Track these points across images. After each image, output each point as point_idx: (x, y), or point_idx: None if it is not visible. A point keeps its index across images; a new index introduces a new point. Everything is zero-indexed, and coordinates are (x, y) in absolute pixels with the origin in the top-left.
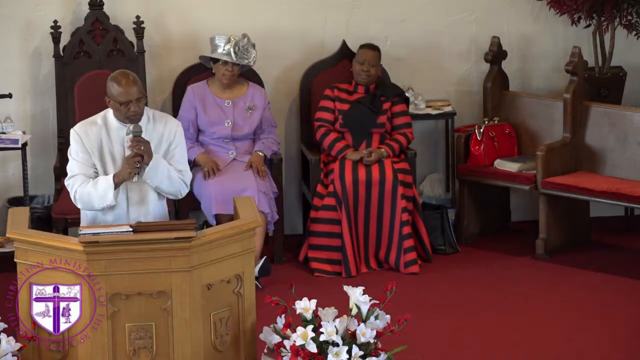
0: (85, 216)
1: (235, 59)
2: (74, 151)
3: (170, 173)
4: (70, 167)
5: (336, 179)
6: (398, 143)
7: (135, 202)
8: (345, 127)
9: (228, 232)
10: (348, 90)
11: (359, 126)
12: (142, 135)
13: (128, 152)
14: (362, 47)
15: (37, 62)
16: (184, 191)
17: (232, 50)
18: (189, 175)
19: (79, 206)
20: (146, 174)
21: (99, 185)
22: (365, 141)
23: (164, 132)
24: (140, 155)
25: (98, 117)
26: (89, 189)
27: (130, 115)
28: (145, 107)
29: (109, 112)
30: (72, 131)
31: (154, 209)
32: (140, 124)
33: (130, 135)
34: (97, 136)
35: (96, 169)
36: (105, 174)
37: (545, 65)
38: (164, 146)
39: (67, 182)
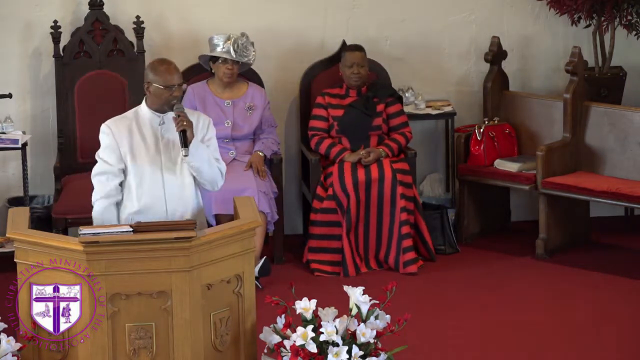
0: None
1: (235, 57)
2: (102, 148)
3: (210, 157)
4: (98, 168)
5: (335, 182)
6: (397, 143)
7: (173, 197)
8: (341, 133)
9: (228, 232)
10: (340, 95)
11: (355, 131)
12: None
13: (165, 137)
14: (346, 49)
15: (37, 62)
16: (220, 181)
17: (231, 47)
18: (224, 165)
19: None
20: (190, 152)
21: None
22: (363, 145)
23: (197, 124)
24: (184, 130)
25: (129, 112)
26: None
27: (172, 100)
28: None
29: (141, 107)
30: (102, 126)
31: (191, 203)
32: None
33: (174, 113)
34: (127, 128)
35: (123, 166)
36: (136, 165)
37: (545, 65)
38: (199, 136)
39: (97, 194)
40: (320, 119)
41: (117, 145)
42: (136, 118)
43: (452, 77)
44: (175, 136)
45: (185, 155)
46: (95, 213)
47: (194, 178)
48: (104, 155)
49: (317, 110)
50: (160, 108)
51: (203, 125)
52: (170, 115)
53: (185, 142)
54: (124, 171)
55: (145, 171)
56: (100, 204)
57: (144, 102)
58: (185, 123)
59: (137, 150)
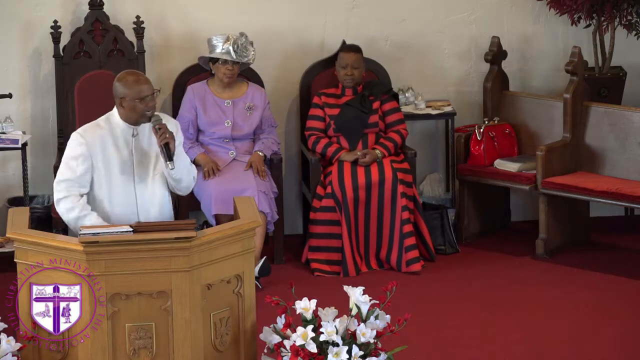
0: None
1: (235, 57)
2: (73, 154)
3: (188, 163)
4: (62, 174)
5: (335, 182)
6: (392, 142)
7: (145, 209)
8: (338, 132)
9: (228, 232)
10: (336, 95)
11: (352, 129)
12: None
13: (137, 150)
14: (342, 50)
15: (37, 62)
16: (192, 185)
17: (231, 48)
18: (194, 169)
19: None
20: (174, 164)
21: (87, 218)
22: (361, 142)
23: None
24: (167, 143)
25: (101, 120)
26: (75, 217)
27: (147, 111)
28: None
29: (112, 115)
30: (74, 134)
31: (165, 212)
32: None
33: (155, 126)
34: (101, 138)
35: (90, 178)
36: (109, 176)
37: (545, 65)
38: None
39: (56, 194)
40: (317, 118)
41: (90, 157)
42: (110, 128)
43: (452, 77)
44: (149, 147)
45: (172, 169)
46: (66, 219)
47: (167, 186)
48: (73, 163)
49: (314, 110)
50: (135, 121)
51: (176, 131)
52: (144, 126)
53: (169, 156)
54: (91, 183)
55: (117, 184)
56: (71, 214)
57: (115, 111)
58: (167, 135)
59: (111, 162)
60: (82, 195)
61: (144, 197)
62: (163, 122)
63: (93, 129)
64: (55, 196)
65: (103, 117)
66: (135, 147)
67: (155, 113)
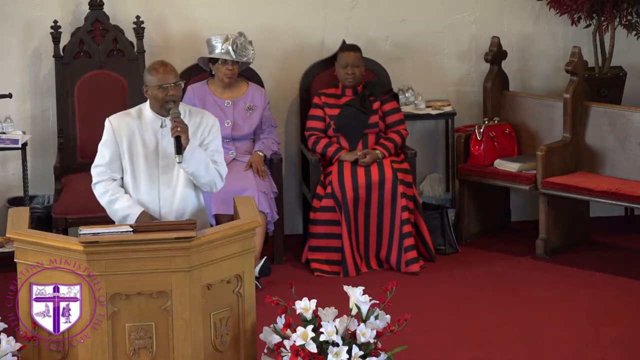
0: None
1: (234, 57)
2: (103, 141)
3: (207, 161)
4: (97, 161)
5: (335, 182)
6: (392, 142)
7: (167, 201)
8: (338, 132)
9: (228, 232)
10: (336, 95)
11: (352, 129)
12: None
13: (164, 140)
14: (342, 49)
15: (37, 62)
16: (219, 184)
17: (230, 48)
18: (224, 168)
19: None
20: (184, 159)
21: (122, 208)
22: (361, 142)
23: (200, 125)
24: (178, 136)
25: (132, 110)
26: (111, 202)
27: (169, 100)
28: (183, 102)
29: (144, 106)
30: (106, 120)
31: (189, 206)
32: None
33: (170, 118)
34: (129, 126)
35: (119, 163)
36: (133, 164)
37: (545, 65)
38: (199, 139)
39: (93, 179)
40: (317, 119)
41: (117, 143)
42: (139, 117)
43: (452, 77)
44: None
45: (179, 162)
46: (104, 205)
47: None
48: (103, 149)
49: (314, 111)
50: (159, 110)
51: (206, 127)
52: None
53: (179, 149)
54: (121, 167)
55: (141, 172)
56: (104, 199)
57: (147, 102)
58: (179, 129)
59: (136, 150)
60: (114, 180)
61: (168, 189)
62: (180, 116)
63: (122, 116)
64: (93, 182)
65: (136, 107)
66: (162, 137)
67: (182, 105)
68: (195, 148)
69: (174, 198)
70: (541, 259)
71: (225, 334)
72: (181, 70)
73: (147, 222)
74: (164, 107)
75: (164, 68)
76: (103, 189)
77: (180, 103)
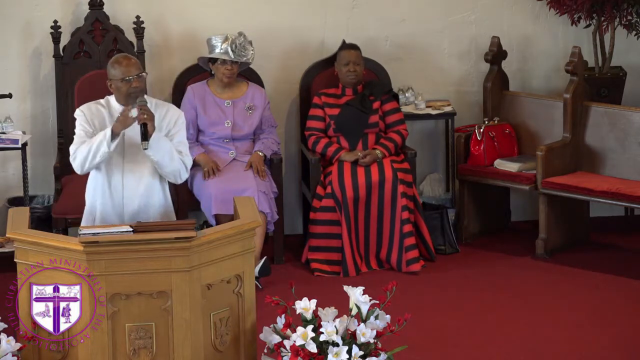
0: (86, 209)
1: (233, 57)
2: (78, 126)
3: (172, 150)
4: (75, 141)
5: (335, 182)
6: (393, 142)
7: (131, 191)
8: (338, 132)
9: (228, 232)
10: (336, 95)
11: (352, 128)
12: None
13: (131, 129)
14: (342, 48)
15: (37, 62)
16: (184, 174)
17: (229, 48)
18: (189, 159)
19: (76, 168)
20: (150, 146)
21: (96, 137)
22: (361, 142)
23: (165, 117)
24: (144, 124)
25: (101, 101)
26: (87, 144)
27: (132, 92)
28: (148, 95)
29: (111, 98)
30: (77, 110)
31: (150, 194)
32: None
33: (137, 106)
34: (98, 112)
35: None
36: None
37: (545, 65)
38: (164, 130)
39: (71, 152)
40: (317, 119)
41: (91, 125)
42: (108, 107)
43: (452, 77)
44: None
45: (145, 149)
46: (79, 151)
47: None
48: (79, 132)
49: (314, 110)
50: (125, 103)
51: (171, 119)
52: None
53: (145, 135)
54: None
55: (109, 161)
56: (79, 146)
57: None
58: (145, 116)
59: None
60: None
61: (133, 177)
62: (147, 104)
63: (92, 104)
64: (71, 158)
65: (104, 98)
66: (128, 128)
67: (149, 98)
68: (160, 136)
69: (139, 187)
70: (541, 259)
71: (225, 334)
72: (181, 70)
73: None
74: (129, 99)
75: (127, 61)
76: (78, 147)
77: (148, 96)
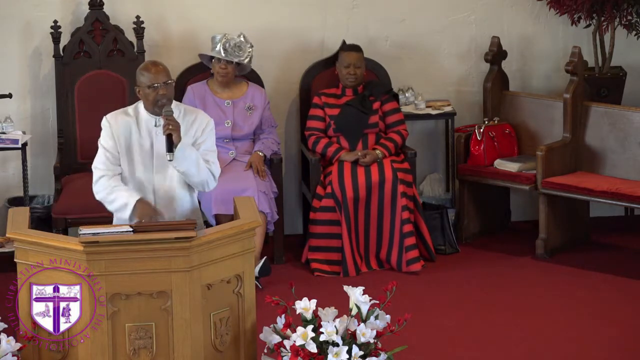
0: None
1: (224, 56)
2: (102, 139)
3: (198, 160)
4: (97, 159)
5: (335, 182)
6: (393, 142)
7: (161, 199)
8: (338, 132)
9: (228, 232)
10: (336, 95)
11: (352, 129)
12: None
13: (158, 139)
14: (344, 49)
15: (37, 62)
16: (212, 183)
17: (221, 47)
18: (217, 168)
19: (95, 196)
20: (175, 157)
21: (120, 196)
22: (361, 142)
23: (193, 124)
24: (170, 135)
25: (130, 109)
26: (110, 191)
27: (159, 99)
28: (177, 102)
29: (140, 105)
30: (104, 119)
31: (183, 205)
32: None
33: (162, 116)
34: (126, 124)
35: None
36: (131, 163)
37: (545, 65)
38: (192, 137)
39: (94, 177)
40: (317, 119)
41: (115, 140)
42: (136, 115)
43: (452, 77)
44: None
45: (170, 160)
46: (102, 200)
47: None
48: (102, 147)
49: (314, 111)
50: (152, 110)
51: (199, 127)
52: None
53: (170, 147)
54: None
55: (137, 170)
56: (100, 195)
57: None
58: (171, 127)
59: (132, 148)
60: (115, 175)
61: (162, 188)
62: (174, 114)
63: (119, 114)
64: (94, 179)
65: (133, 105)
66: (156, 137)
67: (177, 104)
68: (186, 146)
69: (168, 197)
70: (541, 259)
71: (225, 334)
72: (181, 70)
73: (146, 209)
74: (156, 107)
75: (155, 68)
76: (100, 187)
77: (177, 102)
